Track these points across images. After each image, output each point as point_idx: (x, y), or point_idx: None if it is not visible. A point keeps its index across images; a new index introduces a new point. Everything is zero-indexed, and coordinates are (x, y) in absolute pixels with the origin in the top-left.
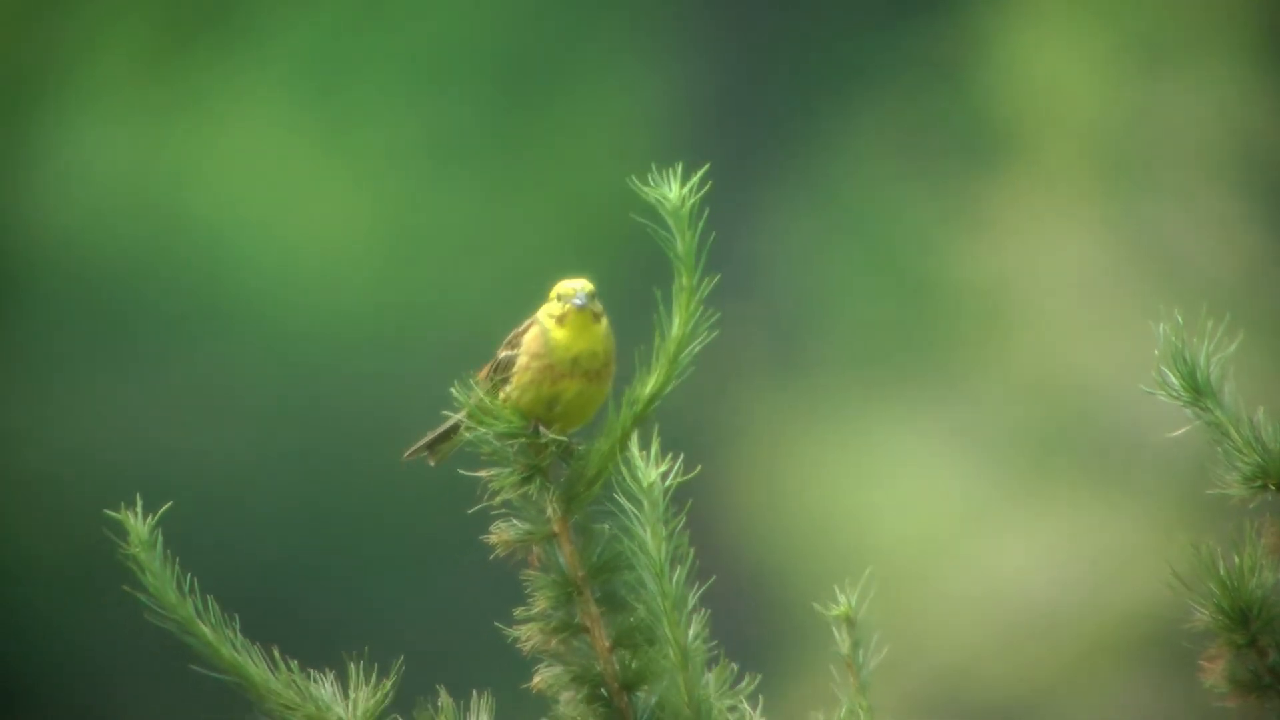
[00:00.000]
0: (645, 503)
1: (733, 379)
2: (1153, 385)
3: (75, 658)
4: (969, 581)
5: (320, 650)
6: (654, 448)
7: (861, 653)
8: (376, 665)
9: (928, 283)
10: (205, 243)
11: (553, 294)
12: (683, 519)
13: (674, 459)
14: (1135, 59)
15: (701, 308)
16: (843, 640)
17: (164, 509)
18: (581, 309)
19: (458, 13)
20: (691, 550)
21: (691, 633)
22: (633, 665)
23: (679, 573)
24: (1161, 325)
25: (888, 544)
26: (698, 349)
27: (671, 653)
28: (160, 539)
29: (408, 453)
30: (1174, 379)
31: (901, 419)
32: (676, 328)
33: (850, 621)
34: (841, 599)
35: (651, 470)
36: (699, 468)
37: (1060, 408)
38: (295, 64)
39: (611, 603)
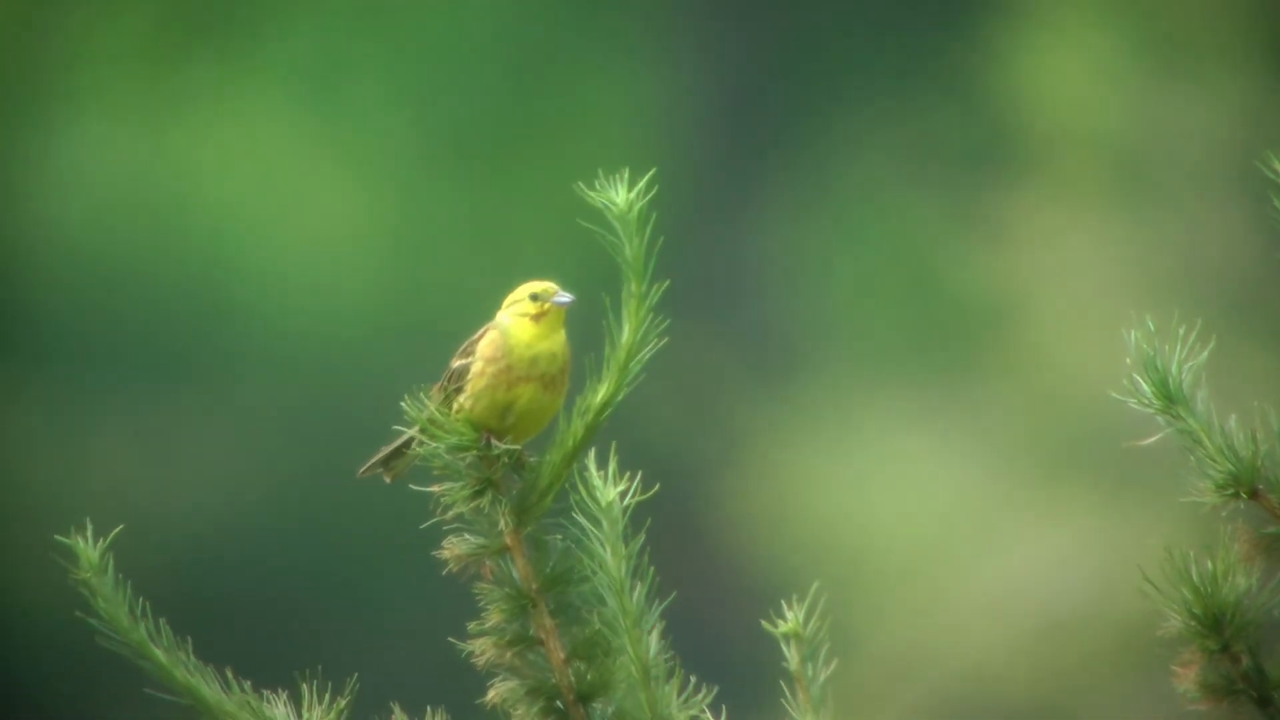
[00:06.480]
0: (604, 521)
1: (736, 385)
2: (1124, 393)
3: (77, 659)
4: (980, 588)
5: (275, 670)
6: (611, 466)
7: (810, 667)
8: (330, 684)
9: (935, 290)
10: (205, 243)
11: (521, 295)
12: (642, 538)
13: (632, 477)
14: (1147, 69)
15: (652, 314)
16: (791, 657)
17: (115, 532)
18: (563, 307)
19: (458, 14)
20: (652, 569)
21: (653, 648)
22: (588, 677)
23: (639, 590)
24: (1133, 332)
25: (897, 551)
26: (648, 356)
27: (634, 669)
28: (111, 563)
29: (362, 469)
30: (1145, 386)
31: (910, 426)
32: (626, 335)
33: (799, 638)
34: (789, 615)
35: (610, 489)
36: (657, 486)
37: (1071, 415)
38: (295, 64)
39: (566, 615)
